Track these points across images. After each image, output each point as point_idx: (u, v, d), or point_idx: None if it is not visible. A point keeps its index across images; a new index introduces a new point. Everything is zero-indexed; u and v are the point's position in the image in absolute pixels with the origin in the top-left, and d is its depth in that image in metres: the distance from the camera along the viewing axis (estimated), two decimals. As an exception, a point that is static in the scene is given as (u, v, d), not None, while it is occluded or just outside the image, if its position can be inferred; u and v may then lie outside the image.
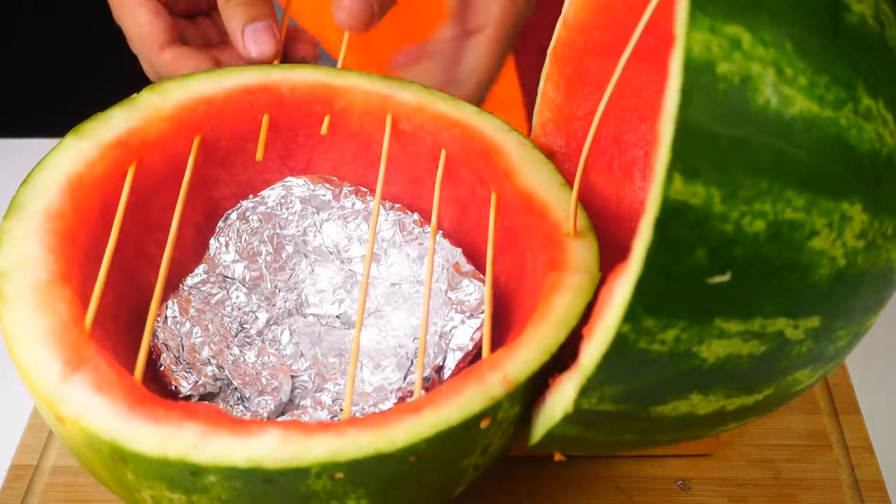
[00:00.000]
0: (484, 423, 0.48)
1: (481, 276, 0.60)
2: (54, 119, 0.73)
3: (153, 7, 0.65)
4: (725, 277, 0.41)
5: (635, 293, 0.41)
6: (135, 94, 0.60)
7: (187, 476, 0.46)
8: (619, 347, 0.42)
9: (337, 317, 0.64)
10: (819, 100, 0.42)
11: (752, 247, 0.41)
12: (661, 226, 0.40)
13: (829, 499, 0.62)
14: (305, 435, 0.46)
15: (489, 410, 0.48)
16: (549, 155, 0.63)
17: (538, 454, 0.53)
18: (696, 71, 0.39)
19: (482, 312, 0.58)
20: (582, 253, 0.56)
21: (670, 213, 0.39)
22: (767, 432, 0.65)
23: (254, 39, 0.64)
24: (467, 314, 0.59)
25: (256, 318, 0.62)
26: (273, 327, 0.62)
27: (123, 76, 0.74)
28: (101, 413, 0.46)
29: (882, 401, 0.69)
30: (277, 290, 0.64)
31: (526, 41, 0.73)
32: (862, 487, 0.62)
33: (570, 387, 0.46)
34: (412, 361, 0.60)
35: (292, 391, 0.60)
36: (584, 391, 0.45)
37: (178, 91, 0.60)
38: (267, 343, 0.61)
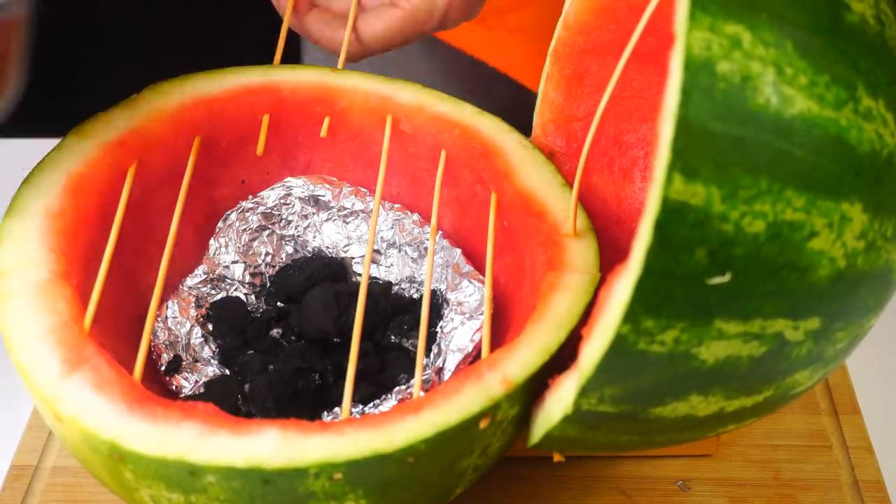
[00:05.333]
0: (483, 424, 0.48)
1: (480, 276, 0.60)
2: (54, 119, 0.72)
3: None
4: (725, 278, 0.41)
5: (635, 294, 0.41)
6: (135, 95, 0.60)
7: (185, 476, 0.46)
8: (618, 348, 0.42)
9: (337, 317, 0.63)
10: (819, 99, 0.42)
11: (752, 247, 0.41)
12: (660, 226, 0.39)
13: (829, 499, 0.62)
14: (304, 435, 0.46)
15: (488, 411, 0.48)
16: (549, 156, 0.63)
17: (538, 454, 0.53)
18: (696, 69, 0.39)
19: (481, 313, 0.58)
20: (582, 253, 0.55)
21: (670, 213, 0.39)
22: (767, 432, 0.65)
23: None
24: (467, 315, 0.58)
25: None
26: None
27: (124, 76, 0.74)
28: (99, 412, 0.46)
29: (882, 401, 0.68)
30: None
31: None
32: (862, 487, 0.62)
33: (569, 387, 0.46)
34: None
35: (292, 391, 0.60)
36: (584, 392, 0.45)
37: (178, 91, 0.60)
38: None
